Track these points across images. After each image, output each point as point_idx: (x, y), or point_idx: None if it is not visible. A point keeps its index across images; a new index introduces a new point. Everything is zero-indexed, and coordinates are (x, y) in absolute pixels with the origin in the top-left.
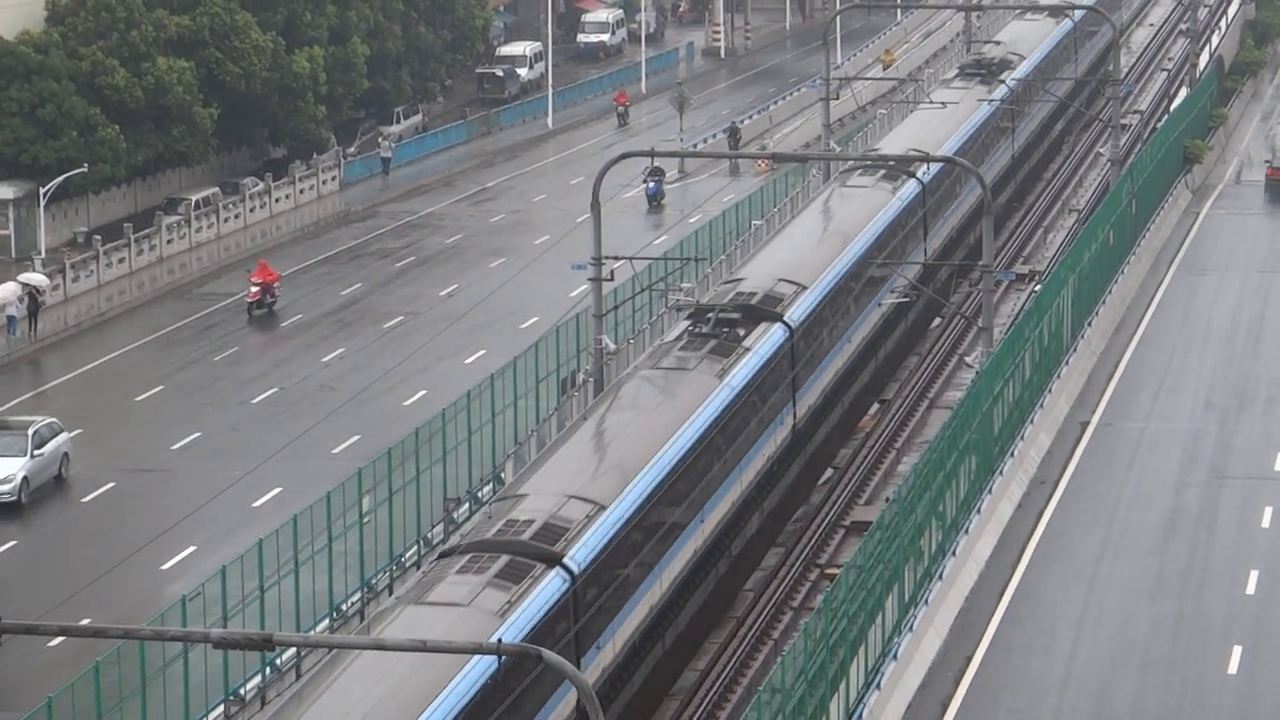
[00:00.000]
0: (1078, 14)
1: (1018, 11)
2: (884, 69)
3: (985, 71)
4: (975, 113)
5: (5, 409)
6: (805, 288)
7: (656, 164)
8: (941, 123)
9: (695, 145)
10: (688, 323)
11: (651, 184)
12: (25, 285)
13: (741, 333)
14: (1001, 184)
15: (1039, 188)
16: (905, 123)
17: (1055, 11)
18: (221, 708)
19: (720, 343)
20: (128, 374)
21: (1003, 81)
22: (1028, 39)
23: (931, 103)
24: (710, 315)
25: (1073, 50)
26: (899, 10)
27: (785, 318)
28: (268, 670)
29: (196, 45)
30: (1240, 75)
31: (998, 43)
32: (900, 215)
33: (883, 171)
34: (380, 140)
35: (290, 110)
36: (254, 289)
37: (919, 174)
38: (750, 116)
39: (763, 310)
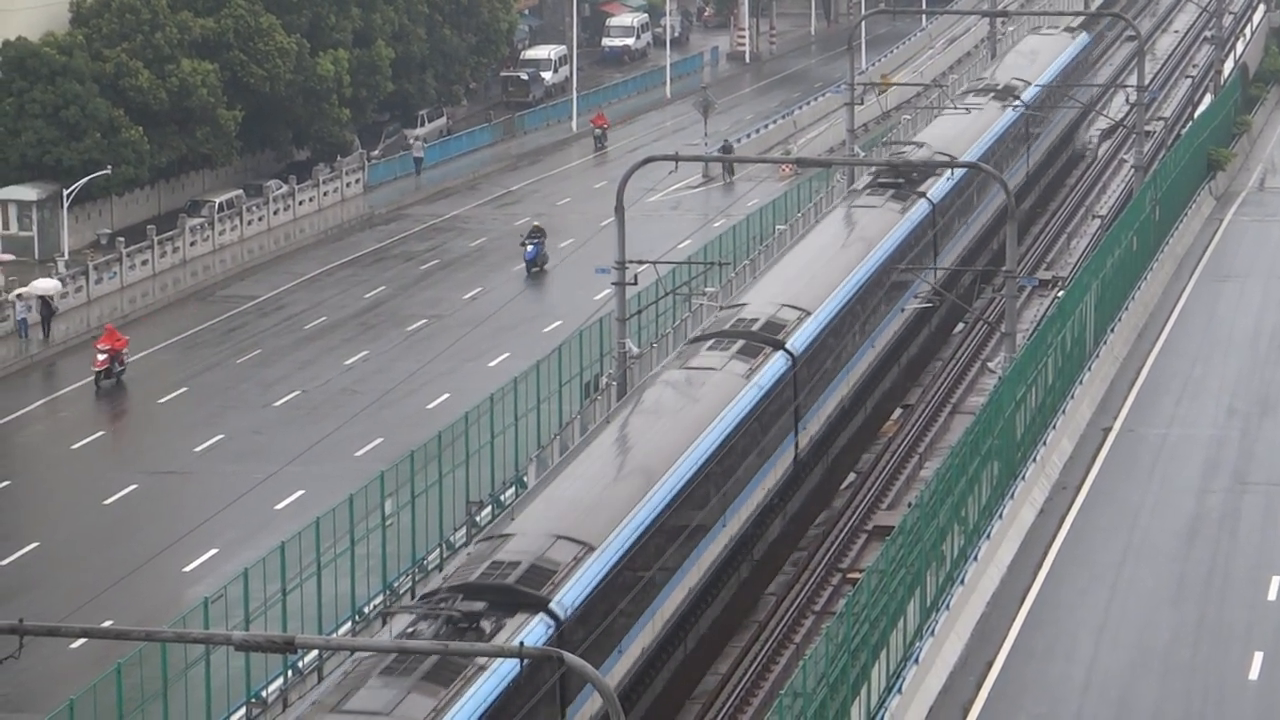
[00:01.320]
0: (1030, 93)
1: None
2: (879, 94)
3: (898, 185)
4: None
5: (18, 415)
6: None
7: (536, 224)
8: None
9: (719, 150)
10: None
11: (530, 247)
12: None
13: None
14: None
15: (1062, 194)
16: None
17: (1004, 95)
18: (243, 710)
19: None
20: (151, 376)
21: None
22: (961, 136)
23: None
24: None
25: (1023, 146)
26: (923, 16)
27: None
28: (289, 673)
29: (221, 47)
30: (1264, 82)
31: (919, 143)
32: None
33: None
34: (413, 140)
35: (314, 113)
36: (100, 356)
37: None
38: (748, 135)
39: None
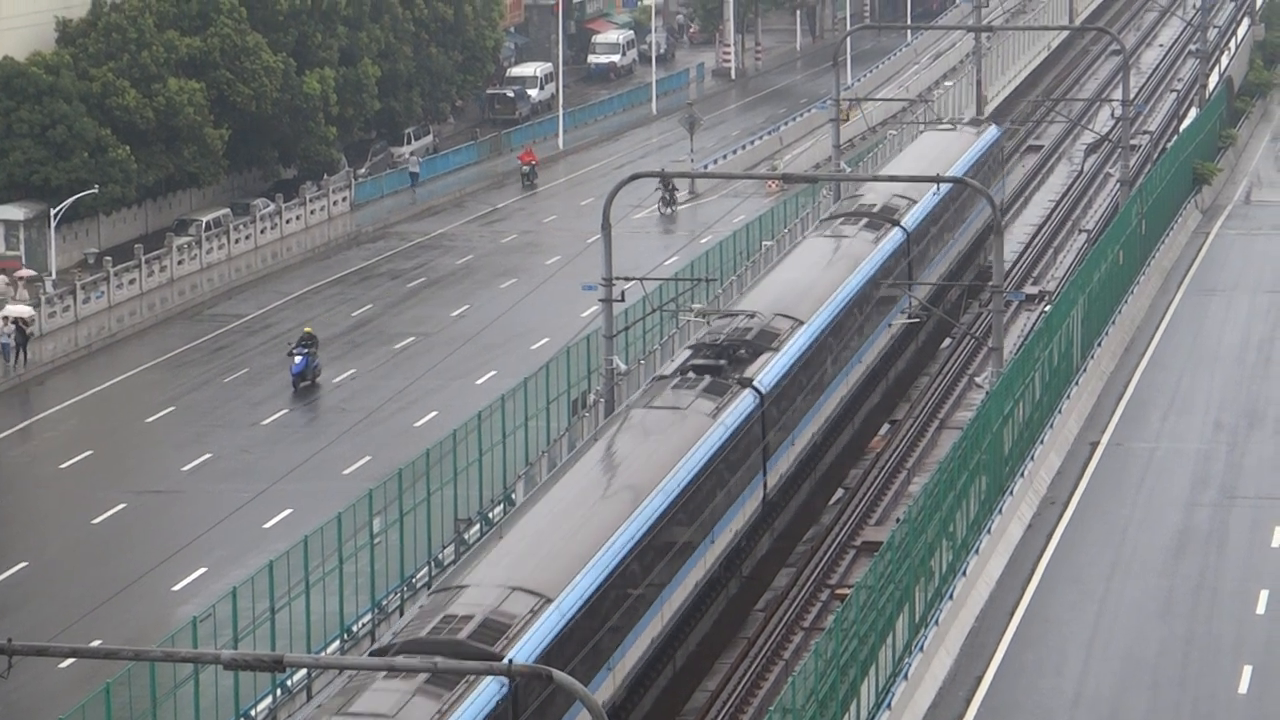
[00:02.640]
0: (916, 214)
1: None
2: (843, 122)
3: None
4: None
5: (3, 436)
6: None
7: (308, 329)
8: None
9: (705, 166)
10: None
11: (299, 358)
12: (7, 319)
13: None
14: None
15: (1050, 210)
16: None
17: (876, 222)
18: None
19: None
20: (138, 395)
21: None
22: (811, 291)
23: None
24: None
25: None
26: (909, 32)
27: (755, 383)
28: (279, 692)
29: (207, 66)
30: (1250, 96)
31: (747, 312)
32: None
33: (866, 220)
34: (408, 155)
35: (301, 131)
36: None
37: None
38: (734, 151)
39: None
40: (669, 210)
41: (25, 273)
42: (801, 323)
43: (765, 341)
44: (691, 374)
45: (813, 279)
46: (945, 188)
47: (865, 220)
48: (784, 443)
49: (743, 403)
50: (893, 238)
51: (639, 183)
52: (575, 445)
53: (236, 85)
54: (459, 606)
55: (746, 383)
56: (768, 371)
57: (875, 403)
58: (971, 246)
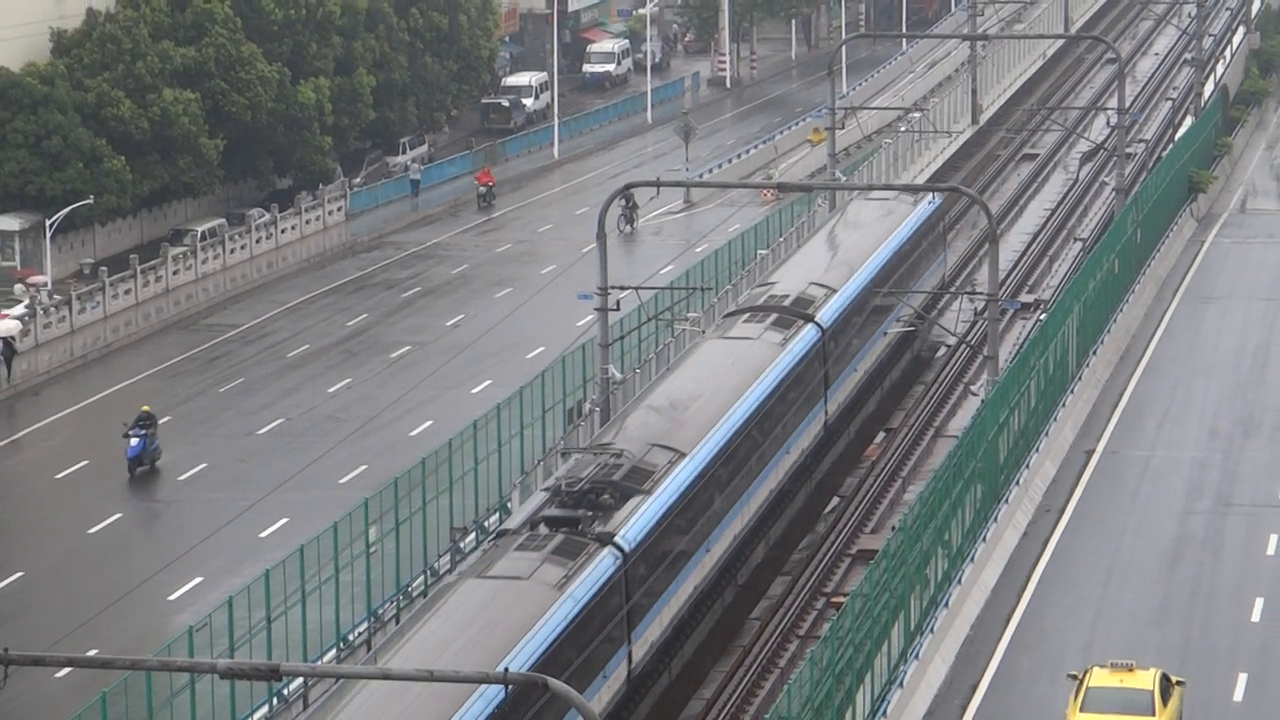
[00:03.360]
0: (833, 307)
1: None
2: (812, 146)
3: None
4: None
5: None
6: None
7: (146, 409)
8: None
9: (701, 175)
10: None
11: (135, 440)
12: None
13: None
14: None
15: (1045, 218)
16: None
17: (786, 318)
18: None
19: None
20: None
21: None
22: (693, 422)
23: None
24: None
25: (804, 411)
26: (904, 40)
27: (617, 539)
28: (275, 701)
29: (202, 76)
30: (1245, 104)
31: (615, 468)
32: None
33: (774, 317)
34: (410, 163)
35: (296, 141)
36: None
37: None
38: (729, 160)
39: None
40: (629, 229)
41: (39, 279)
42: (683, 455)
43: (636, 482)
44: (543, 527)
45: (701, 397)
46: (870, 271)
47: (774, 317)
48: (649, 612)
49: (599, 567)
50: (804, 337)
51: (634, 192)
52: (400, 622)
53: (231, 95)
54: None
55: (607, 539)
56: (634, 523)
57: (765, 556)
58: (901, 338)
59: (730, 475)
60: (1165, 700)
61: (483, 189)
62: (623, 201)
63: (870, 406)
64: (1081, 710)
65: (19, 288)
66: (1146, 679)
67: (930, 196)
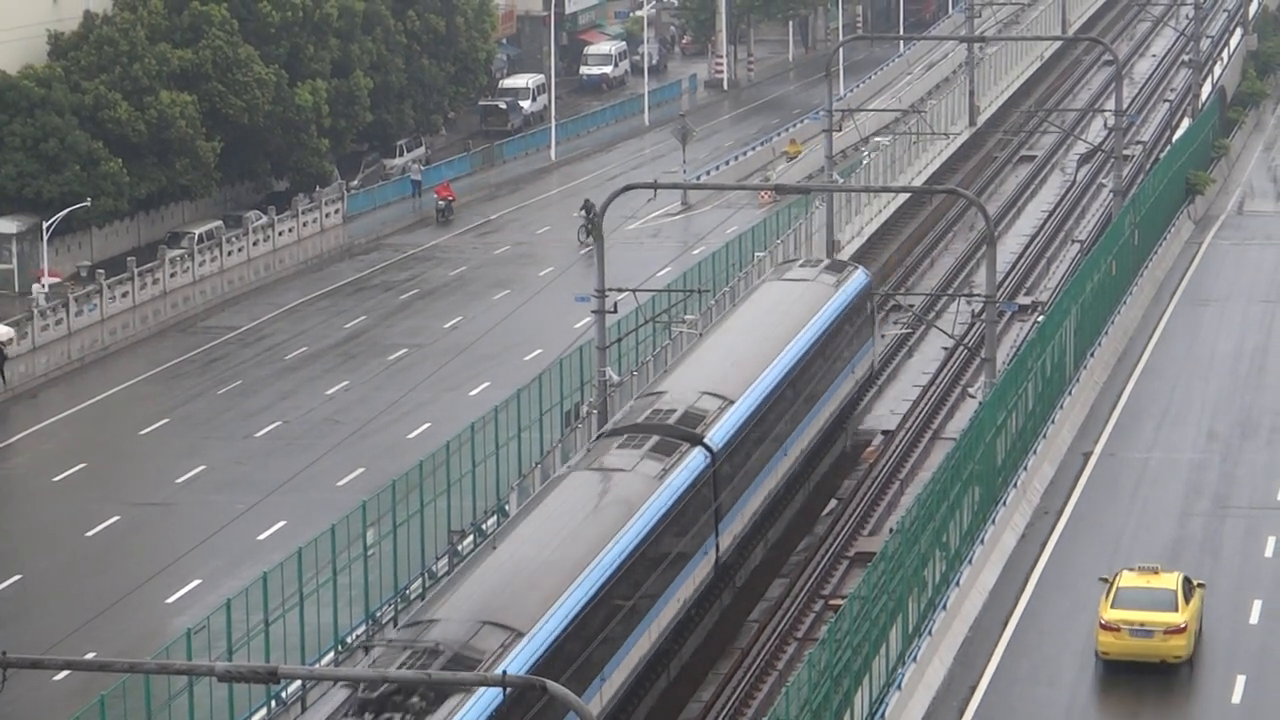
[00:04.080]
0: (727, 425)
1: None
2: (789, 160)
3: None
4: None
5: None
6: (522, 634)
7: None
8: None
9: (698, 177)
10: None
11: None
12: None
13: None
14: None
15: (1042, 220)
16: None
17: (669, 442)
18: None
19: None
20: (132, 408)
21: None
22: (536, 590)
23: None
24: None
25: (682, 563)
26: (901, 42)
27: (706, 442)
28: (273, 703)
29: (199, 79)
30: (1242, 106)
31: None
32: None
33: (655, 440)
34: (410, 164)
35: (293, 143)
36: None
37: (707, 438)
38: (726, 162)
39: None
40: (590, 241)
41: (52, 278)
42: (521, 634)
43: (429, 705)
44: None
45: (542, 560)
46: (778, 373)
47: (654, 440)
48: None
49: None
50: (689, 465)
51: (631, 194)
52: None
53: (228, 97)
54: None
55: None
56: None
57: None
58: (820, 442)
59: (580, 650)
60: (1188, 599)
61: (441, 203)
62: (583, 213)
63: (779, 530)
64: (1112, 608)
65: (36, 287)
66: (1171, 580)
67: (859, 272)
